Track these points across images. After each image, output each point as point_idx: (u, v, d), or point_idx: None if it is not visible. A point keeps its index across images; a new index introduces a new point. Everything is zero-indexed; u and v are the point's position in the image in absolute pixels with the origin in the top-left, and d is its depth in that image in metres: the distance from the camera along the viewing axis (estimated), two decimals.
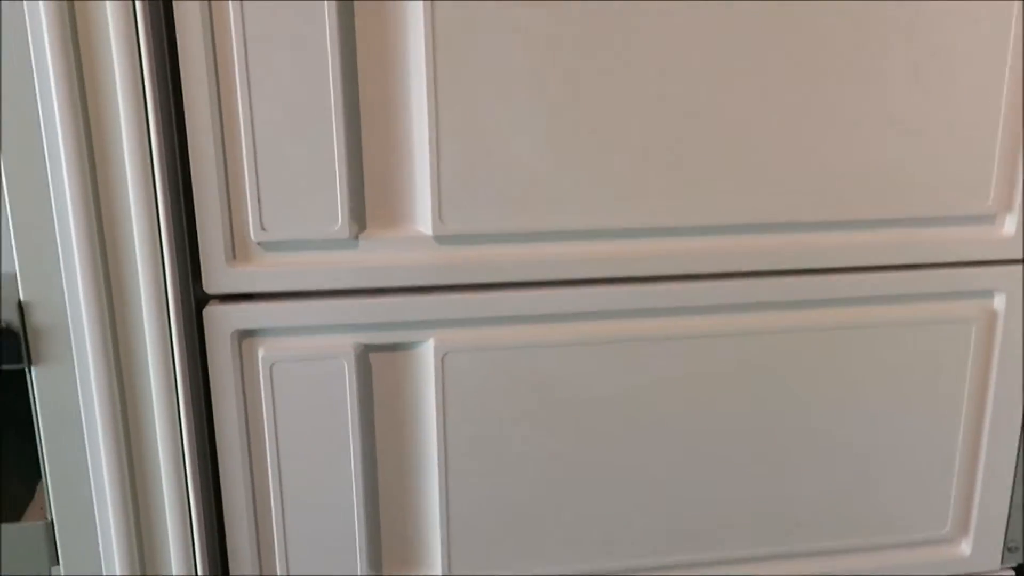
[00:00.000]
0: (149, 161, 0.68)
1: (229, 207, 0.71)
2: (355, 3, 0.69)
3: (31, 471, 0.77)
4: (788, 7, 0.73)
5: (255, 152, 0.70)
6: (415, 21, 0.70)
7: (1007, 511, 0.90)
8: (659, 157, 0.75)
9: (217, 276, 0.72)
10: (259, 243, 0.72)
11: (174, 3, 0.67)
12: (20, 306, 0.70)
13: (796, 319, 0.81)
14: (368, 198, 0.73)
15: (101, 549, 0.74)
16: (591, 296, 0.78)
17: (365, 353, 0.77)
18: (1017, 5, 0.76)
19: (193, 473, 0.74)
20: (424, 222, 0.74)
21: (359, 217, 0.73)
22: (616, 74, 0.72)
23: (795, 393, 0.84)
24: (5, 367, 0.70)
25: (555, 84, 0.72)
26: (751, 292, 0.80)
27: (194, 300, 0.74)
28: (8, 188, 0.67)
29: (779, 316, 0.81)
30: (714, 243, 0.78)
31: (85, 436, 0.72)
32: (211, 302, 0.74)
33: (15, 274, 0.69)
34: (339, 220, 0.72)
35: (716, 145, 0.75)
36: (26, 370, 0.71)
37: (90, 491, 0.73)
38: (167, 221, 0.69)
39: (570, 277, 0.77)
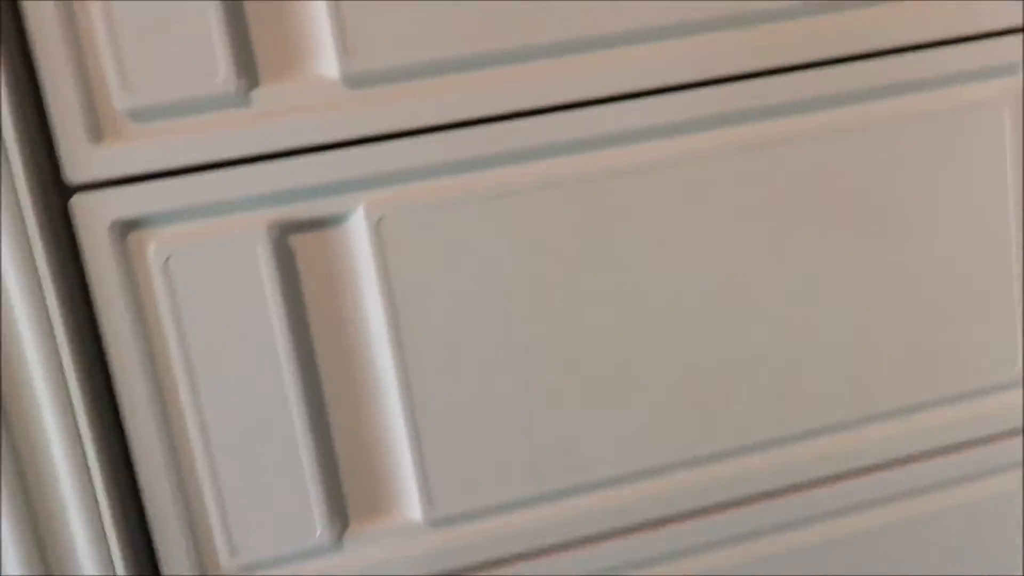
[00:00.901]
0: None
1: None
2: (302, 276, 0.63)
3: None
4: (797, 209, 0.69)
5: (215, 474, 0.63)
6: (369, 285, 0.63)
7: None
8: (666, 386, 0.69)
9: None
10: None
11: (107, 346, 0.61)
12: None
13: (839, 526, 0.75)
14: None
15: None
16: (607, 553, 0.71)
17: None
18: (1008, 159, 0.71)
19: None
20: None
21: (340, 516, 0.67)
22: (601, 319, 0.67)
23: None
24: None
25: (531, 336, 0.66)
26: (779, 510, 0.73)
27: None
28: None
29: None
30: (736, 465, 0.72)
31: None
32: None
33: None
34: (318, 529, 0.65)
35: (723, 361, 0.70)
36: None
37: None
38: None
39: (580, 536, 0.70)
